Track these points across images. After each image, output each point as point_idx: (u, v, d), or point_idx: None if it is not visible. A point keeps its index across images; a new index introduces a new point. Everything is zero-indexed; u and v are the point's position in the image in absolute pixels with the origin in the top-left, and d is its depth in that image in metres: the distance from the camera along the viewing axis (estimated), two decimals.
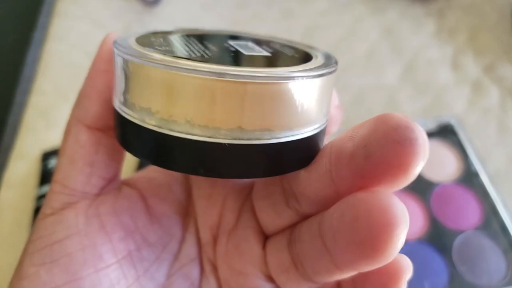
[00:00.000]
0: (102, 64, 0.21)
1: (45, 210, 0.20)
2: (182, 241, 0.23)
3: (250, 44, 0.19)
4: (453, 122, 0.43)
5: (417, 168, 0.15)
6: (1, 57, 0.50)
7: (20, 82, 0.46)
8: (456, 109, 0.45)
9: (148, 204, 0.23)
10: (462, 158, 0.41)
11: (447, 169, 0.41)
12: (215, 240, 0.23)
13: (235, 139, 0.15)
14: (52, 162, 0.41)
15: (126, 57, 0.16)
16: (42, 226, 0.20)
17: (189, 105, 0.14)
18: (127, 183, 0.23)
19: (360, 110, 0.45)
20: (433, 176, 0.40)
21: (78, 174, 0.20)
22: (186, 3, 0.56)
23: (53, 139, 0.43)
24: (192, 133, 0.15)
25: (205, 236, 0.23)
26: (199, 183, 0.24)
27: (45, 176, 0.40)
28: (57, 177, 0.21)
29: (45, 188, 0.39)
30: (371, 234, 0.14)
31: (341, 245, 0.16)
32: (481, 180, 0.40)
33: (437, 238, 0.37)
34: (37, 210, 0.39)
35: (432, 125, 0.43)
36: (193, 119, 0.14)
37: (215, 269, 0.23)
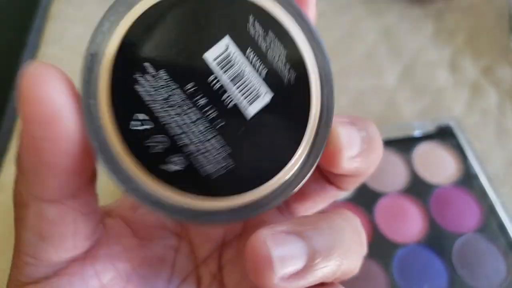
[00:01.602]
0: (36, 127, 0.15)
1: (20, 277, 0.18)
2: (173, 266, 0.23)
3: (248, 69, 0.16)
4: (452, 124, 0.43)
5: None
6: None
7: (14, 88, 0.46)
8: (455, 111, 0.45)
9: (136, 228, 0.22)
10: (461, 160, 0.41)
11: (446, 171, 0.41)
12: (219, 250, 0.23)
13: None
14: None
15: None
16: None
17: None
18: (109, 213, 0.22)
19: (359, 112, 0.45)
20: (432, 178, 0.40)
21: (59, 248, 0.17)
22: None
23: None
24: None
25: (204, 251, 0.23)
26: None
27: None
28: (28, 250, 0.18)
29: None
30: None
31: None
32: (480, 182, 0.40)
33: (436, 241, 0.37)
34: None
35: (431, 127, 0.43)
36: None
37: (216, 278, 0.22)
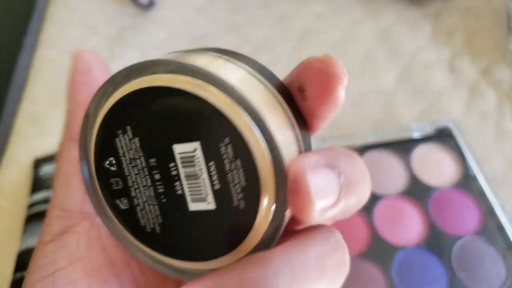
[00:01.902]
0: (79, 76, 0.21)
1: (44, 237, 0.20)
2: None
3: (198, 165, 0.17)
4: (450, 126, 0.43)
5: (314, 213, 0.15)
6: None
7: (11, 89, 0.46)
8: (454, 113, 0.45)
9: None
10: (460, 162, 0.41)
11: (445, 173, 0.41)
12: None
13: None
14: (44, 169, 0.40)
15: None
16: (42, 255, 0.19)
17: None
18: None
19: (357, 114, 0.45)
20: (431, 180, 0.40)
21: (74, 194, 0.20)
22: (181, 7, 0.56)
23: (45, 146, 0.43)
24: None
25: None
26: None
27: (37, 183, 0.40)
28: (54, 201, 0.20)
29: (37, 196, 0.39)
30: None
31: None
32: (479, 184, 0.39)
33: (436, 244, 0.37)
34: (29, 218, 0.38)
35: (430, 129, 0.42)
36: None
37: None
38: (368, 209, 0.38)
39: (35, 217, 0.38)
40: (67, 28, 0.52)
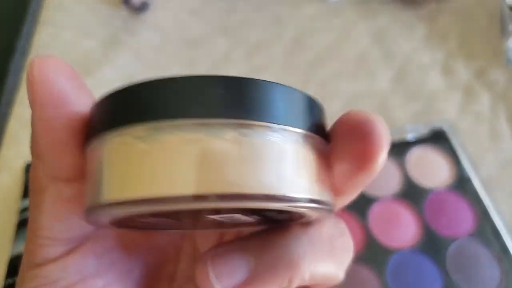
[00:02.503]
0: (48, 109, 0.16)
1: (35, 260, 0.19)
2: (177, 261, 0.23)
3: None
4: (445, 127, 0.42)
5: (382, 158, 0.16)
6: None
7: (4, 93, 0.45)
8: (448, 115, 0.45)
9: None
10: (454, 164, 0.41)
11: (440, 175, 0.41)
12: None
13: None
14: None
15: None
16: (39, 275, 0.18)
17: None
18: None
19: None
20: (426, 182, 0.40)
21: (73, 226, 0.19)
22: (175, 9, 0.55)
23: None
24: None
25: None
26: None
27: (29, 188, 0.39)
28: (44, 233, 0.18)
29: (28, 201, 0.38)
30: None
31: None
32: (473, 186, 0.39)
33: (430, 246, 0.37)
34: (20, 223, 0.38)
35: (424, 131, 0.42)
36: None
37: None
38: (362, 211, 0.38)
39: (27, 222, 0.37)
40: (60, 31, 0.52)
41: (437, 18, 0.53)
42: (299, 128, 0.15)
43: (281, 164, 0.14)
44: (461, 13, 0.53)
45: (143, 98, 0.14)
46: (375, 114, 0.16)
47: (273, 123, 0.14)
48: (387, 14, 0.54)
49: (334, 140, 0.17)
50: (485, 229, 0.38)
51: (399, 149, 0.42)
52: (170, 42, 0.52)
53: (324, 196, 0.16)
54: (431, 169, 0.41)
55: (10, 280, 0.35)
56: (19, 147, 0.43)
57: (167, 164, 0.13)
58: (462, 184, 0.40)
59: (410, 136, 0.42)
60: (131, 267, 0.21)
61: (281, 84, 0.14)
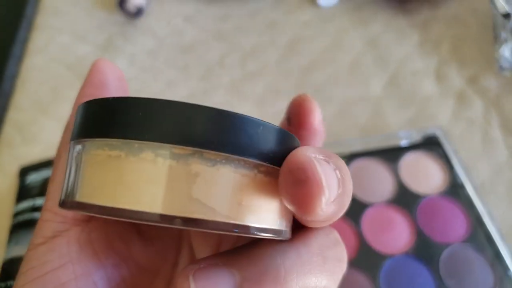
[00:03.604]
0: (92, 89, 0.21)
1: (35, 240, 0.20)
2: (175, 265, 0.23)
3: None
4: (438, 133, 0.43)
5: (321, 205, 0.15)
6: None
7: (1, 95, 0.45)
8: (441, 121, 0.45)
9: (140, 227, 0.22)
10: (447, 170, 0.41)
11: (433, 181, 0.41)
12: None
13: None
14: (30, 178, 0.40)
15: None
16: (33, 257, 0.19)
17: None
18: None
19: (345, 122, 0.45)
20: (419, 188, 0.40)
21: None
22: (169, 15, 0.55)
23: (31, 155, 0.42)
24: None
25: (204, 255, 0.23)
26: None
27: (22, 192, 0.39)
28: (47, 205, 0.20)
29: (22, 205, 0.38)
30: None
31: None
32: (466, 192, 0.40)
33: (424, 252, 0.37)
34: (14, 227, 0.37)
35: (417, 137, 0.43)
36: None
37: None
38: (355, 217, 0.38)
39: (20, 226, 0.37)
40: (55, 36, 0.52)
41: (430, 25, 0.53)
42: (251, 158, 0.15)
43: (233, 193, 0.15)
44: (454, 21, 0.53)
45: (126, 114, 0.14)
46: (317, 152, 0.16)
47: (229, 153, 0.14)
48: (380, 21, 0.54)
49: (279, 178, 0.16)
50: (479, 235, 0.38)
51: (392, 155, 0.42)
52: (165, 47, 0.52)
53: (274, 225, 0.16)
54: (424, 175, 0.41)
55: (3, 284, 0.34)
56: (13, 152, 0.43)
57: (137, 179, 0.14)
58: (455, 190, 0.40)
59: (403, 142, 0.42)
60: (118, 262, 0.21)
61: (240, 115, 0.15)
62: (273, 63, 0.51)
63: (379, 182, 0.40)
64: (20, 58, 0.50)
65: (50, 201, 0.20)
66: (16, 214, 0.38)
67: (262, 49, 0.52)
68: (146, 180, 0.14)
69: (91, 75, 0.22)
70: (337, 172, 0.16)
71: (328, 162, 0.16)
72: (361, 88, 0.48)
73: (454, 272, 0.36)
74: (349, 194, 0.16)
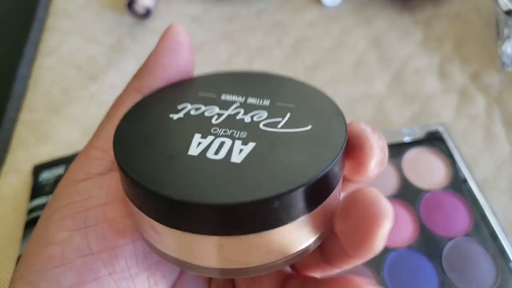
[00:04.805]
0: (169, 43, 0.22)
1: (76, 176, 0.20)
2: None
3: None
4: (441, 129, 0.43)
5: (371, 166, 0.19)
6: None
7: (11, 98, 0.46)
8: (444, 117, 0.46)
9: None
10: (450, 165, 0.42)
11: (436, 176, 0.41)
12: None
13: None
14: (43, 176, 0.41)
15: None
16: (74, 192, 0.19)
17: None
18: None
19: (350, 119, 0.45)
20: (422, 183, 0.41)
21: None
22: (177, 16, 0.57)
23: (44, 153, 0.43)
24: None
25: None
26: None
27: (36, 190, 0.40)
28: (97, 143, 0.20)
29: (36, 202, 0.39)
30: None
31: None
32: (469, 187, 0.40)
33: (426, 245, 0.37)
34: (28, 224, 0.39)
35: (420, 133, 0.43)
36: None
37: None
38: None
39: (34, 222, 0.38)
40: (66, 38, 0.53)
41: (433, 22, 0.54)
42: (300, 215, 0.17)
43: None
44: (457, 18, 0.54)
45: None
46: (367, 124, 0.19)
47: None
48: (384, 19, 0.55)
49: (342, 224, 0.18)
50: (481, 229, 0.38)
51: (396, 150, 0.42)
52: None
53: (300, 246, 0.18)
54: (427, 170, 0.42)
55: None
56: (27, 150, 0.44)
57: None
58: (457, 184, 0.41)
59: (406, 138, 0.43)
60: None
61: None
62: (278, 62, 0.52)
63: (383, 177, 0.41)
64: (32, 60, 0.51)
65: (102, 140, 0.20)
66: (30, 211, 0.39)
67: (268, 48, 0.53)
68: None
69: (166, 36, 0.23)
70: (380, 141, 0.19)
71: (374, 132, 0.19)
72: (365, 86, 0.49)
73: (457, 265, 0.37)
74: (385, 161, 0.20)
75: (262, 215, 0.16)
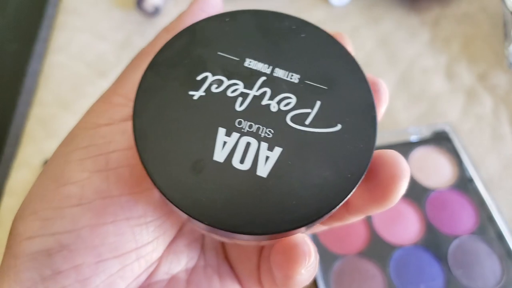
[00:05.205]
0: (201, 4, 0.22)
1: (98, 120, 0.19)
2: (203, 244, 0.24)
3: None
4: (447, 129, 0.44)
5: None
6: (3, 69, 0.50)
7: (22, 94, 0.47)
8: (451, 117, 0.46)
9: None
10: (456, 165, 0.42)
11: (442, 175, 0.42)
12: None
13: None
14: None
15: None
16: (96, 135, 0.19)
17: None
18: None
19: None
20: (428, 182, 0.41)
21: None
22: None
23: (54, 148, 0.44)
24: None
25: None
26: None
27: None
28: (122, 91, 0.20)
29: None
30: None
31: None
32: (475, 186, 0.40)
33: (433, 243, 0.38)
34: None
35: (427, 133, 0.44)
36: None
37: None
38: None
39: None
40: (76, 35, 0.54)
41: (441, 23, 0.54)
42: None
43: None
44: (464, 18, 0.54)
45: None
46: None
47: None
48: (391, 19, 0.55)
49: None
50: (486, 227, 0.39)
51: (403, 150, 0.43)
52: None
53: None
54: (433, 169, 0.42)
55: None
56: (37, 145, 0.44)
57: None
58: (464, 184, 0.41)
59: (413, 138, 0.43)
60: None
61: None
62: None
63: None
64: (42, 56, 0.51)
65: (126, 88, 0.20)
66: None
67: None
68: None
69: (197, 1, 0.22)
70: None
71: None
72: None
73: (462, 262, 0.37)
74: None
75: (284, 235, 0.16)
